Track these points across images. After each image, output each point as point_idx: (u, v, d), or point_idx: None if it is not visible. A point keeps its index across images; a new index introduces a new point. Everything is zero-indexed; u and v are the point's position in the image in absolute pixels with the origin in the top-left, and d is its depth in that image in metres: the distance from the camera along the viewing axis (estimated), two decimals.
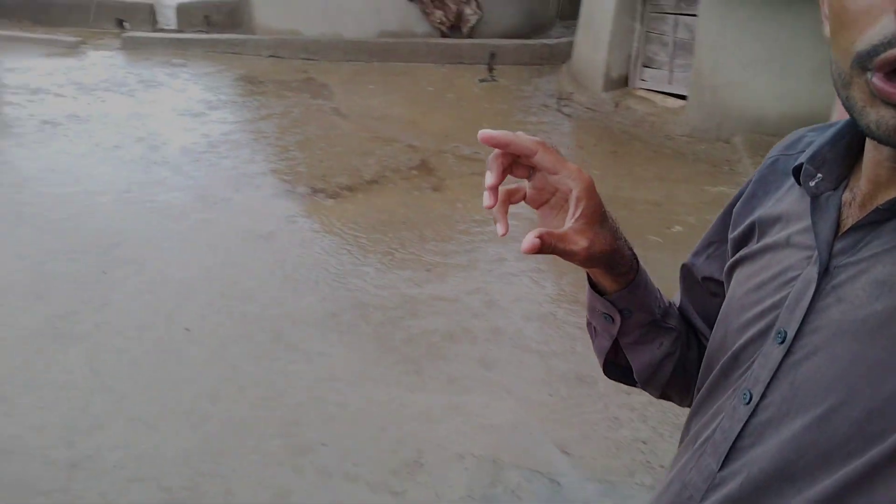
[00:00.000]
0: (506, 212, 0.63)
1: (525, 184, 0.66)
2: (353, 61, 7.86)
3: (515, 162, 0.64)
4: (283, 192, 4.34)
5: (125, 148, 4.91)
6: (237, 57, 8.17)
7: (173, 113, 5.79)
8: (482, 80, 7.45)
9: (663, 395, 0.83)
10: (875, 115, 0.49)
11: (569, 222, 0.62)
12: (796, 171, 0.64)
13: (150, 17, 9.54)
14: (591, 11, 7.09)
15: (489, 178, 0.62)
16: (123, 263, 3.41)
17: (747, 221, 0.70)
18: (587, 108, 6.61)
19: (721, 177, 4.82)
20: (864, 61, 0.48)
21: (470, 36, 8.26)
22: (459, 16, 8.18)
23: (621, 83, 6.79)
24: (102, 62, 7.84)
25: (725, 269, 0.73)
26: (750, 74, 5.56)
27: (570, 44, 8.05)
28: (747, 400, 0.60)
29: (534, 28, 9.57)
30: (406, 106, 6.15)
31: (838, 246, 0.57)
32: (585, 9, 7.31)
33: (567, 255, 0.62)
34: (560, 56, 8.25)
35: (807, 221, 0.61)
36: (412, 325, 3.00)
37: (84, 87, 6.54)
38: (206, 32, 8.97)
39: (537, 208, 0.67)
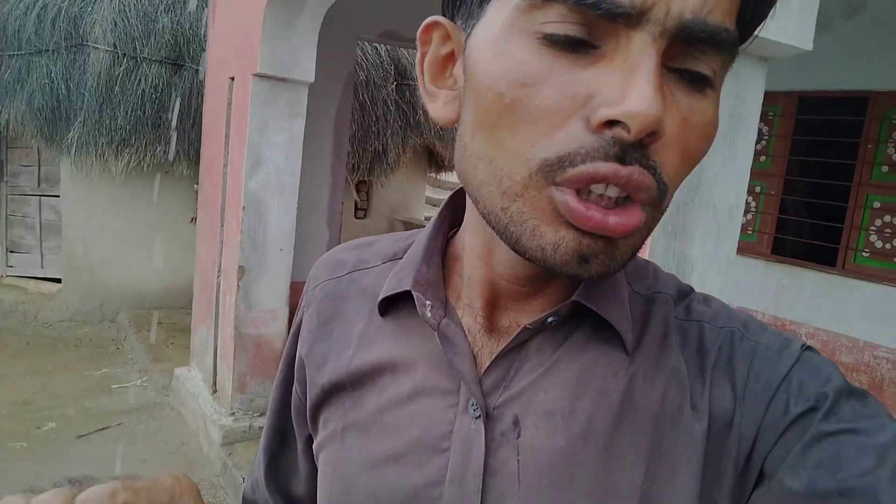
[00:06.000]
0: None
1: None
2: None
3: None
4: None
5: None
6: None
7: None
8: None
9: None
10: (553, 237, 0.38)
11: None
12: (389, 301, 0.51)
13: None
14: None
15: None
16: None
17: (326, 380, 0.53)
18: None
19: (106, 358, 4.55)
20: (552, 171, 0.37)
21: None
22: None
23: None
24: None
25: (314, 447, 0.55)
26: (125, 252, 5.30)
27: None
28: None
29: None
30: None
31: (487, 382, 0.46)
32: None
33: None
34: None
35: (429, 363, 0.48)
36: None
37: None
38: None
39: None
